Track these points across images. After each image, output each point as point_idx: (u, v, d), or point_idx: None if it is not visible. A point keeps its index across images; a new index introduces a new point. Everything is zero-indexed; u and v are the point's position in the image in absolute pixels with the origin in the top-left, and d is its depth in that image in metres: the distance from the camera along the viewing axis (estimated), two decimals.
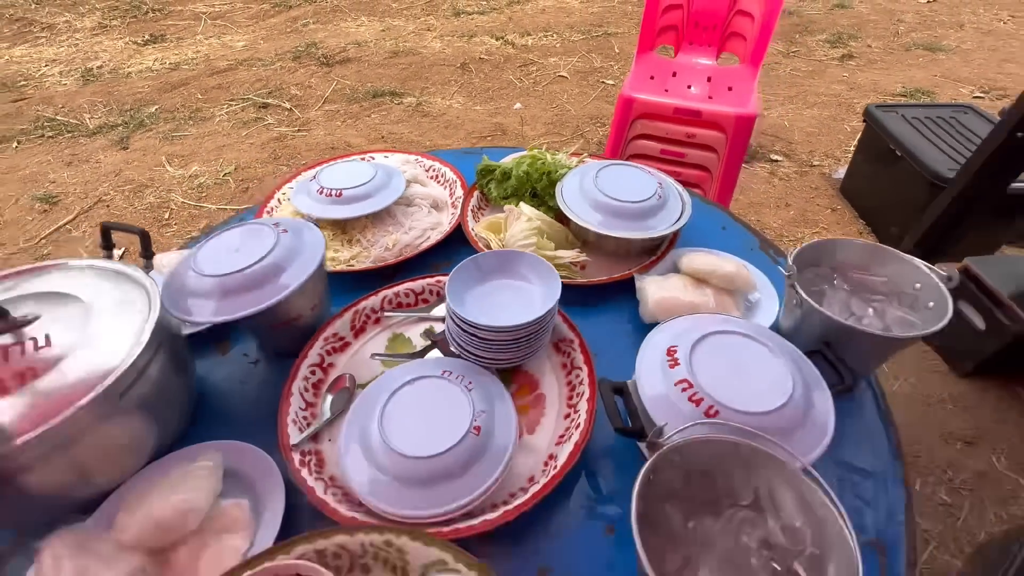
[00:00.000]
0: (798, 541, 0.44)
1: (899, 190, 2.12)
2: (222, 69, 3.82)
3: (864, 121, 2.34)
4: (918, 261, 0.67)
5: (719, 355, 0.58)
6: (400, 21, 4.58)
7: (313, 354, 0.73)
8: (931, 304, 0.64)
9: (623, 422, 0.57)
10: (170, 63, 3.93)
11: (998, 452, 1.48)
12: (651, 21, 1.82)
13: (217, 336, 0.80)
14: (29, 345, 0.54)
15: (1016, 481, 1.42)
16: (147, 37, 4.38)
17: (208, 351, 0.79)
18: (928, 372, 1.70)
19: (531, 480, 0.61)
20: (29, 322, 0.56)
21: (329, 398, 0.70)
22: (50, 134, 3.16)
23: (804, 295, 0.63)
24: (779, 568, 0.44)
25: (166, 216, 2.50)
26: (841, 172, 2.57)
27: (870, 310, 0.67)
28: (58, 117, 3.29)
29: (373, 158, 1.13)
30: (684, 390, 0.55)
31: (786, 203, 2.52)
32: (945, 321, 0.61)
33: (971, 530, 1.32)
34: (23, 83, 3.72)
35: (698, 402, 0.54)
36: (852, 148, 2.53)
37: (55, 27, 4.66)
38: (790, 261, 0.67)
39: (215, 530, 0.55)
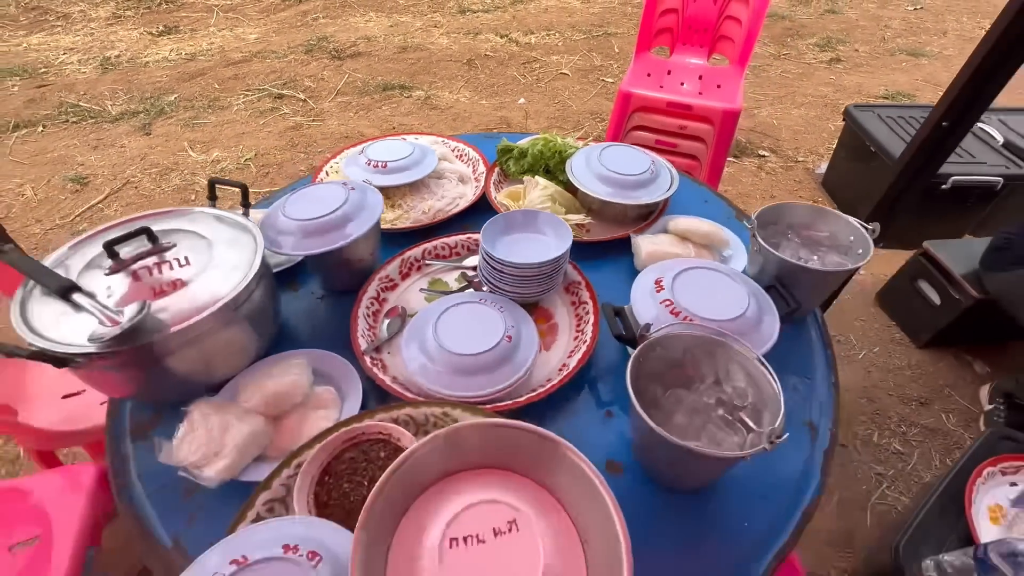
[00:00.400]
0: (744, 398, 0.62)
1: (873, 183, 2.30)
2: (237, 60, 3.97)
3: (844, 120, 2.53)
4: (852, 219, 0.85)
5: (694, 283, 0.77)
6: (407, 17, 4.74)
7: (371, 289, 0.91)
8: (860, 251, 0.83)
9: (620, 331, 0.75)
10: (186, 54, 4.07)
11: (948, 411, 1.68)
12: (648, 23, 2.00)
13: (289, 277, 0.98)
14: (175, 263, 0.71)
15: (961, 435, 1.61)
16: (161, 28, 4.52)
17: (282, 289, 0.96)
18: (890, 343, 1.89)
19: (548, 381, 0.79)
20: (170, 247, 0.73)
21: (386, 322, 0.88)
22: (74, 120, 3.30)
23: (762, 242, 0.81)
24: (730, 417, 0.62)
25: (192, 198, 2.66)
26: (823, 167, 2.76)
27: (815, 257, 0.85)
28: (81, 103, 3.43)
29: (405, 139, 1.30)
30: (667, 306, 0.74)
31: (771, 195, 2.71)
32: (867, 260, 0.79)
33: (919, 474, 1.52)
34: (43, 70, 3.85)
35: (677, 314, 0.72)
36: (835, 145, 2.72)
37: (70, 16, 4.78)
38: (753, 218, 0.86)
39: (312, 406, 0.72)
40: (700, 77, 1.97)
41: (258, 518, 0.60)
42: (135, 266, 0.70)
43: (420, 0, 5.05)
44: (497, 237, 0.88)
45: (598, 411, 0.77)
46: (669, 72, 2.01)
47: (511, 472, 0.61)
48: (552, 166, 1.15)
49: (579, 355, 0.80)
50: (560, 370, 0.80)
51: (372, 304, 0.90)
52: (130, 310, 0.63)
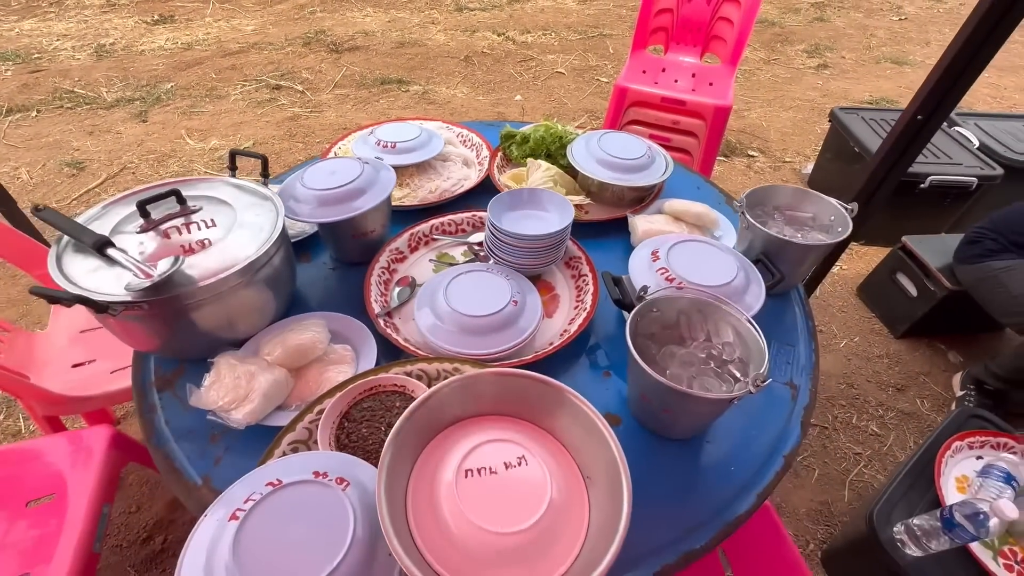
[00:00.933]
0: (732, 352, 0.68)
1: (856, 182, 2.39)
2: (234, 51, 3.97)
3: (830, 121, 2.62)
4: (833, 200, 0.92)
5: (688, 253, 0.83)
6: (405, 14, 4.78)
7: (382, 260, 0.95)
8: (840, 229, 0.89)
9: (619, 296, 0.80)
10: (182, 43, 4.06)
11: (922, 397, 1.76)
12: (644, 22, 2.07)
13: (302, 248, 1.02)
14: (202, 224, 0.76)
15: (935, 419, 1.70)
16: (156, 17, 4.50)
17: (296, 260, 1.00)
18: (870, 333, 1.98)
19: (550, 344, 0.84)
20: (196, 210, 0.78)
21: (397, 290, 0.92)
22: (69, 105, 3.29)
23: (750, 218, 0.87)
24: (719, 369, 0.68)
25: None
26: (809, 167, 2.86)
27: (799, 235, 0.92)
28: (76, 90, 3.42)
29: (412, 122, 1.34)
30: (662, 274, 0.79)
31: None
32: (845, 236, 0.86)
33: (894, 454, 1.60)
34: (37, 56, 3.82)
35: (671, 280, 0.78)
36: (820, 147, 2.81)
37: (63, 3, 4.75)
38: (743, 197, 0.92)
39: (330, 361, 0.77)
40: (693, 75, 2.04)
41: (283, 456, 0.64)
42: (165, 225, 0.74)
43: None
44: (503, 212, 0.93)
45: (597, 372, 0.83)
46: (664, 69, 2.08)
47: (519, 419, 0.67)
48: (553, 151, 1.20)
49: (579, 321, 0.86)
50: (562, 335, 0.86)
51: (383, 273, 0.94)
52: (164, 263, 0.67)
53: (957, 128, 2.42)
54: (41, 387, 1.06)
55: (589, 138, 1.16)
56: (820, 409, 1.71)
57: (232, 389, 0.68)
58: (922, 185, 2.10)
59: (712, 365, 0.69)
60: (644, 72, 2.07)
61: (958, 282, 1.73)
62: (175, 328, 0.73)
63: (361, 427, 0.68)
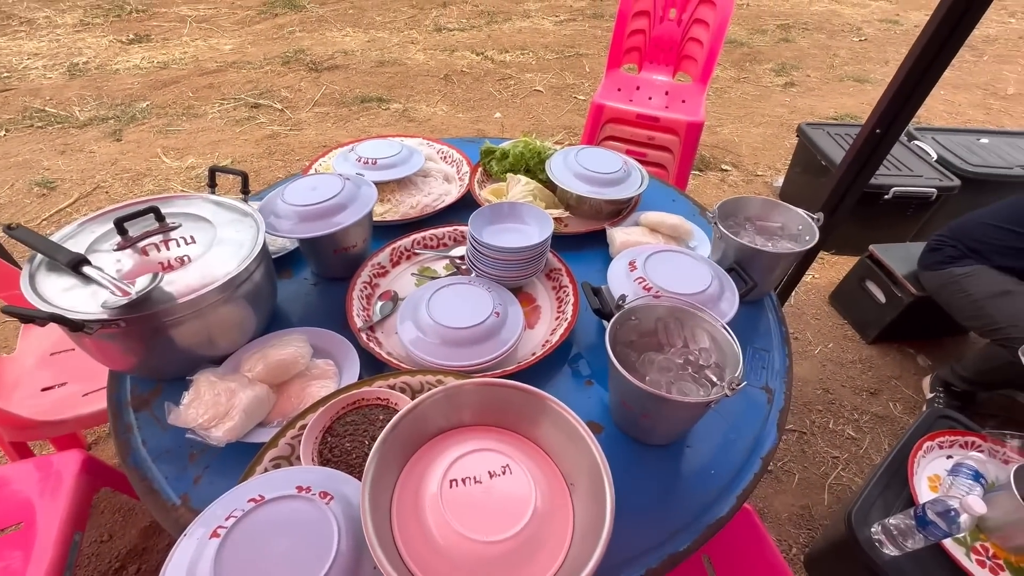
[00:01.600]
0: (708, 357, 0.70)
1: (824, 194, 2.49)
2: (212, 70, 3.96)
3: (798, 136, 2.73)
4: (801, 210, 0.96)
5: (664, 263, 0.85)
6: (384, 33, 4.83)
7: (364, 275, 0.96)
8: (807, 238, 0.93)
9: (598, 306, 0.82)
10: (158, 62, 4.03)
11: (895, 400, 1.82)
12: (618, 42, 2.14)
13: (283, 265, 1.02)
14: (181, 241, 0.75)
15: (907, 421, 1.75)
16: (132, 36, 4.47)
17: (276, 276, 0.99)
18: (843, 339, 2.04)
19: (533, 354, 0.85)
20: (175, 227, 0.77)
21: (379, 304, 0.93)
22: (39, 124, 3.23)
23: (723, 229, 0.91)
24: (696, 375, 0.70)
25: None
26: (780, 180, 2.96)
27: (769, 244, 0.95)
28: (47, 108, 3.36)
29: (392, 139, 1.36)
30: (640, 283, 0.82)
31: None
32: (812, 244, 0.89)
33: (870, 456, 1.64)
34: (6, 74, 3.76)
35: (649, 289, 0.80)
36: (790, 160, 2.91)
37: (35, 22, 4.68)
38: (715, 208, 0.95)
39: (312, 376, 0.77)
40: (666, 92, 2.11)
41: (266, 472, 0.63)
42: (143, 243, 0.74)
43: (396, 17, 5.16)
44: (484, 226, 0.95)
45: (579, 381, 0.84)
46: (638, 88, 2.15)
47: (503, 429, 0.67)
48: (532, 165, 1.23)
49: (561, 331, 0.87)
50: (543, 345, 0.87)
51: (365, 288, 0.95)
52: (142, 280, 0.66)
53: (916, 142, 2.54)
54: (9, 411, 1.02)
55: (567, 153, 1.20)
56: (798, 415, 1.75)
57: (212, 406, 0.67)
58: (886, 196, 2.19)
59: (689, 370, 0.71)
60: (619, 90, 2.13)
61: (923, 288, 1.81)
62: (153, 346, 0.72)
63: (344, 441, 0.68)
